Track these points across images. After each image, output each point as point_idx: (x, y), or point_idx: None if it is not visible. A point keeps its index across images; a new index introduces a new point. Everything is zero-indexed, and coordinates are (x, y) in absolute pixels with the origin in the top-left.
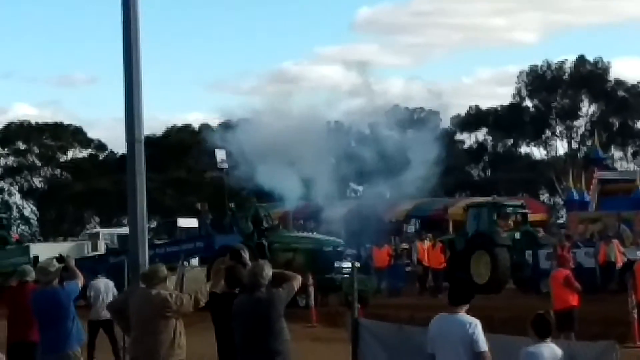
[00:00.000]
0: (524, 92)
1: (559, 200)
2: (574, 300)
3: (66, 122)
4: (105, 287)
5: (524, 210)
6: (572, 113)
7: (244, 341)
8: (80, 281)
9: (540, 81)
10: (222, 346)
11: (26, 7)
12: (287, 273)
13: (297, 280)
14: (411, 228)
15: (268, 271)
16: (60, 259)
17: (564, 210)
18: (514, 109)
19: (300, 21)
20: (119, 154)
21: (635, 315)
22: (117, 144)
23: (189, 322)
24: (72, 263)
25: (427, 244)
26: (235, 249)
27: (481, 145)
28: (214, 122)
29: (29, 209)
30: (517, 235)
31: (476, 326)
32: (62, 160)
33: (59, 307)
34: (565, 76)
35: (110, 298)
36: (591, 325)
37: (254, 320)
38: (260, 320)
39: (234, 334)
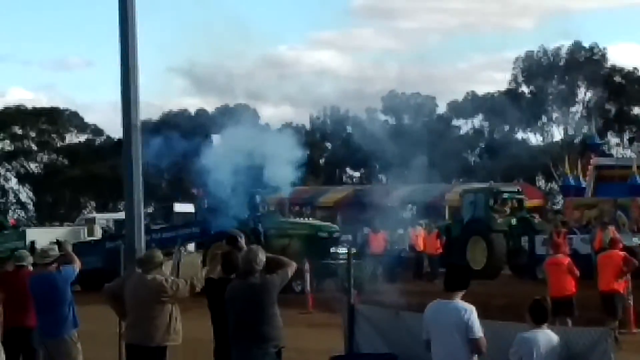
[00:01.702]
0: (520, 78)
1: (555, 186)
2: (572, 287)
3: (62, 106)
4: None
5: (520, 196)
6: (568, 99)
7: (236, 326)
8: (77, 266)
9: (537, 67)
10: (218, 331)
11: None
12: (282, 259)
13: (292, 267)
14: (407, 214)
15: (262, 257)
16: (58, 244)
17: (560, 196)
18: (510, 95)
19: (295, 6)
20: (116, 139)
21: (631, 302)
22: (114, 129)
23: (185, 307)
24: (70, 248)
25: (419, 230)
26: (232, 235)
27: (477, 131)
28: (210, 107)
29: (25, 194)
30: (513, 222)
31: (471, 312)
32: (58, 145)
33: (56, 292)
34: (562, 62)
35: None
36: (587, 311)
37: (247, 305)
38: (254, 306)
39: (227, 318)
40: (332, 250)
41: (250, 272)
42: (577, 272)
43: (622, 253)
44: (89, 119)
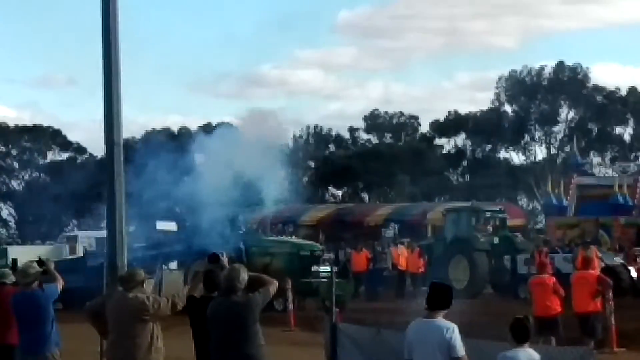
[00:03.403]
0: (503, 97)
1: (537, 205)
2: (558, 306)
3: (45, 124)
4: None
5: (502, 215)
6: (551, 118)
7: (218, 345)
8: (59, 284)
9: (520, 86)
10: (199, 349)
11: (3, 7)
12: (264, 277)
13: (274, 285)
14: (389, 232)
15: (244, 275)
16: (40, 262)
17: (543, 215)
18: (493, 114)
19: (280, 25)
20: (98, 157)
21: (613, 321)
22: (97, 147)
23: (167, 326)
24: (52, 266)
25: (401, 248)
26: (214, 253)
27: (460, 150)
28: (193, 125)
29: (6, 212)
30: (496, 240)
31: (453, 331)
32: (40, 162)
33: (39, 310)
34: (545, 82)
35: None
36: (569, 331)
37: (229, 324)
38: (236, 324)
39: (209, 336)
40: (314, 268)
41: (233, 291)
42: (563, 292)
43: (596, 273)
44: (72, 136)
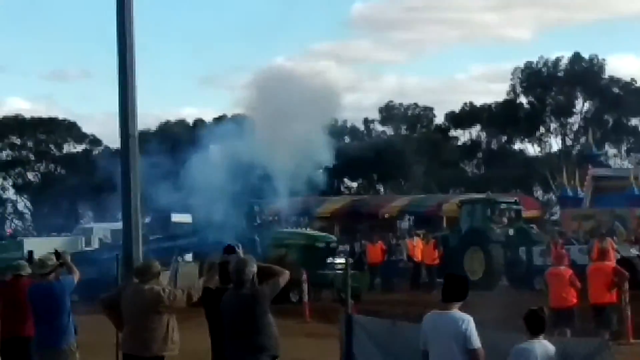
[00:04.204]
0: (518, 89)
1: (552, 197)
2: (574, 298)
3: (60, 116)
4: None
5: (517, 207)
6: (566, 110)
7: (231, 337)
8: (76, 276)
9: (535, 78)
10: (215, 341)
11: (18, 1)
12: (274, 268)
13: (284, 276)
14: (405, 224)
15: (252, 267)
16: (57, 254)
17: (558, 207)
18: (508, 105)
19: (293, 17)
20: (114, 149)
21: (629, 312)
22: (112, 139)
23: (183, 317)
24: (69, 258)
25: (416, 240)
26: (230, 245)
27: (475, 142)
28: (208, 117)
29: (22, 204)
30: (511, 232)
31: (469, 323)
32: (56, 155)
33: (55, 301)
34: (560, 73)
35: None
36: (585, 322)
37: (239, 316)
38: (245, 317)
39: (224, 329)
40: (330, 260)
41: (241, 283)
42: (579, 284)
43: (612, 264)
44: (87, 129)
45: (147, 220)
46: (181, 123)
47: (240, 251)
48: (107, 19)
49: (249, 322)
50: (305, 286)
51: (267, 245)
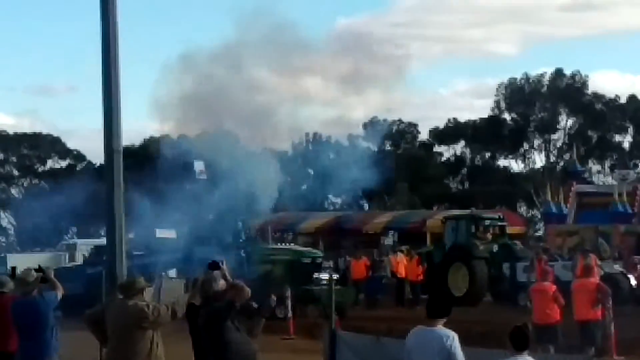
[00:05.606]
0: (502, 105)
1: (536, 213)
2: (557, 314)
3: (44, 131)
4: None
5: (502, 223)
6: (550, 126)
7: (203, 354)
8: (59, 292)
9: (519, 94)
10: (198, 357)
11: (4, 15)
12: (235, 284)
13: (242, 292)
14: (389, 240)
15: (214, 284)
16: (39, 270)
17: (542, 223)
18: (493, 121)
19: (276, 31)
20: (97, 165)
21: (613, 329)
22: (96, 155)
23: (167, 333)
24: (52, 274)
25: (400, 256)
26: (214, 261)
27: (459, 158)
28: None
29: (6, 220)
30: (495, 248)
31: (453, 339)
32: (40, 170)
33: (39, 317)
34: (544, 89)
35: None
36: (568, 339)
37: (206, 332)
38: (210, 333)
39: None
40: (315, 276)
41: (207, 299)
42: (563, 301)
43: (595, 281)
44: (71, 144)
45: (131, 235)
46: (165, 138)
47: (224, 267)
48: (92, 34)
49: (213, 338)
50: (289, 302)
51: (253, 261)
